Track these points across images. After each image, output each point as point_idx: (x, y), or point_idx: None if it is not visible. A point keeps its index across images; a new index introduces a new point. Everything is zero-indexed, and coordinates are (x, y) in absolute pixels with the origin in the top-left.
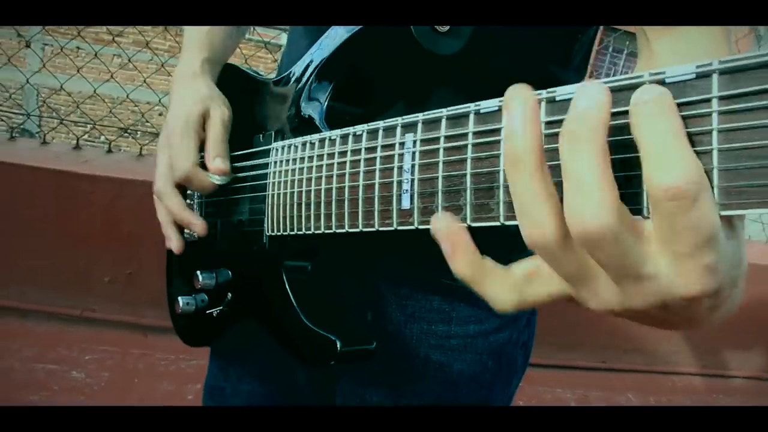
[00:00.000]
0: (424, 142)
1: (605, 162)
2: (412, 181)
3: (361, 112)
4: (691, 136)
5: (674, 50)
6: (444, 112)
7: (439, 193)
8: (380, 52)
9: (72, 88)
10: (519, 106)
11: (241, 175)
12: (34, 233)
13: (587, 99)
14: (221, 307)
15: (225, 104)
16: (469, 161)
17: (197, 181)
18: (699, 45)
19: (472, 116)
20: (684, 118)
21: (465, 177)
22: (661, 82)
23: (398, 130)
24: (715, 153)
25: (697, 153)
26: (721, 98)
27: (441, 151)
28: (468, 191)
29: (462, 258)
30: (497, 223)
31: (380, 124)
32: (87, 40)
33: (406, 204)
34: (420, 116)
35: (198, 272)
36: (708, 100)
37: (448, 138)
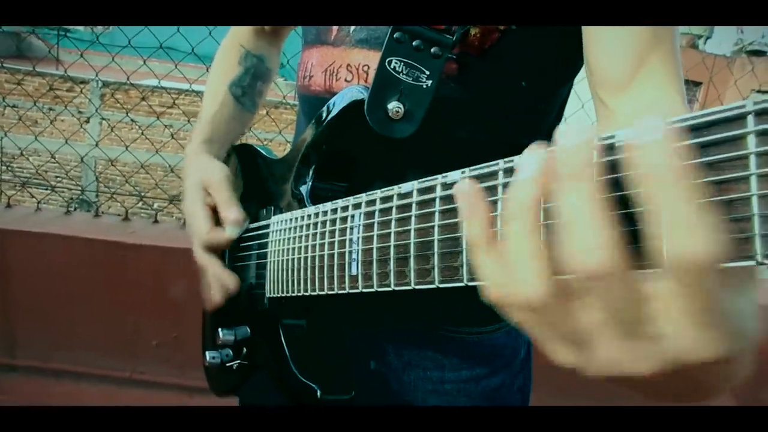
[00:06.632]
0: (366, 217)
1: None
2: (358, 251)
3: (345, 187)
4: (721, 185)
5: (634, 108)
6: (378, 193)
7: (374, 262)
8: (348, 138)
9: (127, 159)
10: (529, 164)
11: (250, 243)
12: (87, 301)
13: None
14: (239, 360)
15: (221, 169)
16: (392, 235)
17: (216, 240)
18: (657, 104)
19: (395, 198)
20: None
21: (389, 248)
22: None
23: (350, 208)
24: (755, 199)
25: (734, 201)
26: (758, 134)
27: (375, 226)
28: (392, 260)
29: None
30: (409, 287)
31: (339, 203)
32: (141, 113)
33: (354, 270)
34: (363, 196)
35: (219, 329)
36: (743, 138)
37: (380, 214)
